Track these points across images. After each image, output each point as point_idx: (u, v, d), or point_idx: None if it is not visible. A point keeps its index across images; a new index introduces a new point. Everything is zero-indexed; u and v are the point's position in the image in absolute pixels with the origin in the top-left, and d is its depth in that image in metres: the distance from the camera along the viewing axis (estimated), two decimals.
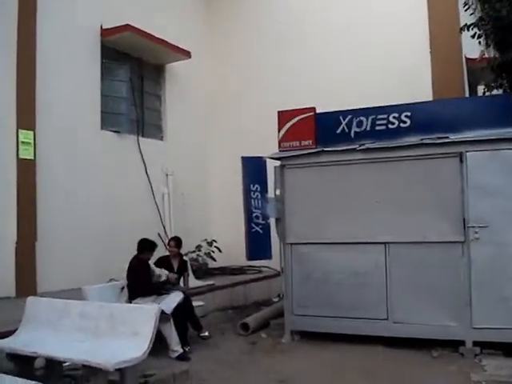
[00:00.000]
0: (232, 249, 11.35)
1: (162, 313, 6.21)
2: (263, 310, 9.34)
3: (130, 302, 7.06)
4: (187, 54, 11.43)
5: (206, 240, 11.32)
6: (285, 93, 11.35)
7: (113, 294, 7.24)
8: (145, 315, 5.04)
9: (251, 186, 8.20)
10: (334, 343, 7.33)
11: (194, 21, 12.84)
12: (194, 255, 10.98)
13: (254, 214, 8.16)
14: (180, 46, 11.22)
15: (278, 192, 7.90)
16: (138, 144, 10.80)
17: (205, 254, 11.18)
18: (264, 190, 8.29)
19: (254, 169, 8.27)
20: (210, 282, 10.07)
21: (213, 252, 11.41)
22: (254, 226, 8.15)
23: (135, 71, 11.04)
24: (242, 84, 12.59)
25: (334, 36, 11.75)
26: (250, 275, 11.45)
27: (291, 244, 7.80)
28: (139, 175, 10.81)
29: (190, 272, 8.25)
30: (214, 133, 12.93)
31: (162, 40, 10.75)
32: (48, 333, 5.38)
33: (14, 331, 5.74)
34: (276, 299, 11.04)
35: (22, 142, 8.36)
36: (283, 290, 7.97)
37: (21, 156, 8.34)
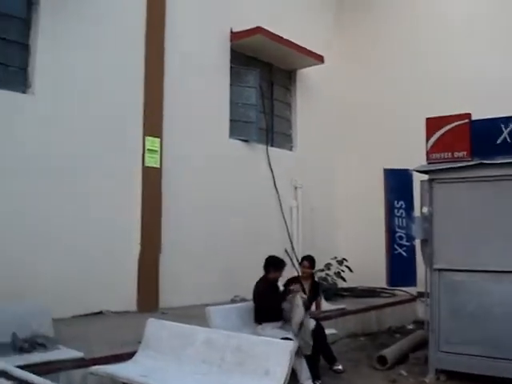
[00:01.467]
0: (362, 268, 10.53)
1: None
2: (400, 340, 8.27)
3: (257, 325, 6.44)
4: (320, 59, 10.70)
5: (335, 258, 10.43)
6: (427, 102, 10.31)
7: (238, 316, 6.61)
8: (279, 351, 4.27)
9: (395, 202, 7.26)
10: None
11: (324, 25, 12.10)
12: (322, 274, 10.15)
13: (398, 234, 7.20)
14: (312, 50, 10.52)
15: (425, 210, 6.91)
16: (267, 154, 10.20)
17: (334, 273, 10.30)
18: (410, 207, 7.30)
19: (398, 183, 7.33)
20: (341, 305, 9.17)
21: (343, 271, 10.51)
22: (397, 247, 7.20)
23: (264, 77, 10.46)
24: (377, 93, 11.61)
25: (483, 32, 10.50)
26: (382, 299, 10.42)
27: (440, 270, 6.75)
28: (267, 187, 10.21)
29: (322, 295, 7.42)
30: (345, 144, 12.04)
31: (294, 43, 10.10)
32: (170, 362, 4.79)
33: (133, 354, 5.24)
34: (411, 326, 10.04)
35: (149, 150, 8.03)
36: (427, 322, 6.94)
37: (147, 164, 8.00)
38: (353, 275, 10.63)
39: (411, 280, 7.32)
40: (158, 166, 8.16)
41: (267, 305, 6.44)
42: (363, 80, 11.85)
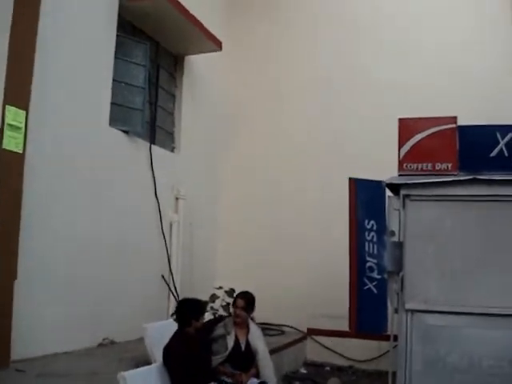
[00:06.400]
0: None
1: None
2: None
3: None
4: (218, 45, 8.80)
5: (221, 288, 8.49)
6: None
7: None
8: None
9: (365, 222, 5.65)
10: None
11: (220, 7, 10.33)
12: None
13: (368, 265, 5.62)
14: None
15: (392, 233, 5.44)
16: (150, 153, 8.00)
17: (221, 306, 8.37)
18: (382, 229, 5.73)
19: (368, 197, 5.74)
20: None
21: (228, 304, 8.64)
22: (366, 281, 5.60)
23: (151, 57, 8.26)
24: (275, 90, 10.04)
25: None
26: (272, 337, 8.74)
27: (412, 311, 5.32)
28: (147, 194, 7.99)
29: (265, 347, 5.38)
30: (234, 150, 10.25)
31: (196, 19, 8.13)
32: None
33: None
34: (303, 370, 8.83)
35: (9, 126, 5.43)
36: (392, 378, 5.42)
37: (5, 146, 5.39)
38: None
39: (382, 324, 5.73)
40: (21, 152, 5.59)
41: (196, 375, 4.41)
42: (260, 74, 10.18)
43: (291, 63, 10.00)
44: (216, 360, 4.89)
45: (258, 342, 5.19)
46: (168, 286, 8.26)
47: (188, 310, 4.75)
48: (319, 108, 9.67)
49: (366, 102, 9.24)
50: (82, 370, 5.48)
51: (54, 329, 6.08)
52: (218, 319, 5.49)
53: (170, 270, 8.36)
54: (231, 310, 5.48)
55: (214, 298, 8.35)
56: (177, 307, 4.82)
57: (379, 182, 5.57)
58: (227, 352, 4.93)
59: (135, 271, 7.59)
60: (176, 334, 4.69)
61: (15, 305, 5.44)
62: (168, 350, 4.54)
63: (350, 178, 5.98)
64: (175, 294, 8.27)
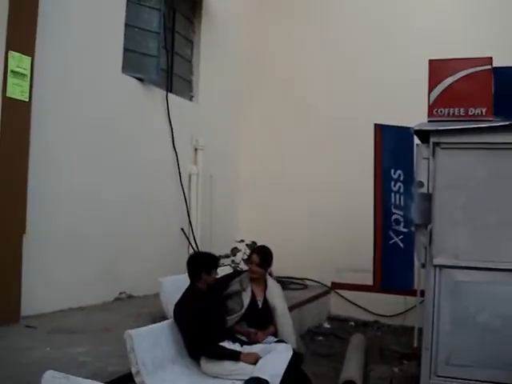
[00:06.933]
0: None
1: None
2: (350, 354, 6.34)
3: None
4: None
5: (242, 241, 8.26)
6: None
7: (170, 341, 4.24)
8: None
9: (392, 171, 5.25)
10: None
11: None
12: (228, 261, 7.94)
13: (394, 217, 5.27)
14: None
15: (420, 184, 5.06)
16: (167, 101, 7.66)
17: (243, 260, 8.14)
18: (409, 180, 5.33)
19: (395, 145, 5.34)
20: None
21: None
22: (392, 235, 5.24)
23: (167, 0, 7.81)
24: (305, 41, 9.49)
25: None
26: (295, 291, 8.53)
27: (441, 267, 4.96)
28: (164, 144, 7.72)
29: (284, 303, 5.08)
30: (256, 99, 9.78)
31: None
32: None
33: None
34: (327, 324, 8.56)
35: (13, 72, 5.15)
36: (420, 336, 5.14)
37: (9, 94, 5.12)
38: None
39: (408, 279, 5.41)
40: (27, 100, 5.31)
41: (208, 333, 4.16)
42: (289, 22, 9.57)
43: (314, 11, 9.39)
44: (231, 319, 4.64)
45: (277, 298, 4.91)
46: (188, 239, 8.06)
47: (198, 263, 4.49)
48: (341, 53, 9.12)
49: (394, 44, 8.65)
50: (95, 326, 5.34)
51: (69, 283, 5.93)
52: (233, 274, 5.22)
53: (190, 223, 8.14)
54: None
55: (235, 251, 8.16)
56: (187, 261, 4.56)
57: (407, 129, 5.11)
58: (243, 310, 4.67)
59: (153, 224, 7.39)
60: (187, 289, 4.46)
61: (26, 259, 5.28)
62: (178, 307, 4.31)
63: (375, 124, 5.57)
64: (195, 247, 8.06)
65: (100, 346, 4.64)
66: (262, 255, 4.94)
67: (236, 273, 5.43)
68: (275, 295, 4.92)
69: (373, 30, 8.85)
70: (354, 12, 9.10)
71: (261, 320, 4.77)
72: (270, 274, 5.32)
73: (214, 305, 4.45)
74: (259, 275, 4.91)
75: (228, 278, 4.97)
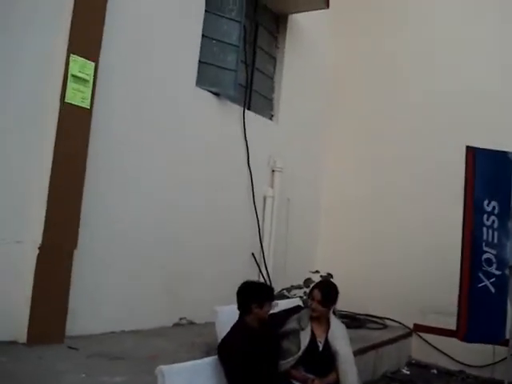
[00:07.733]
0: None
1: None
2: None
3: None
4: (325, 2, 7.84)
5: (317, 272, 7.62)
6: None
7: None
8: None
9: (485, 203, 4.49)
10: None
11: None
12: (300, 293, 7.31)
13: (485, 257, 4.46)
14: None
15: None
16: (244, 119, 7.26)
17: (304, 294, 7.47)
18: (506, 213, 4.54)
19: (491, 172, 4.57)
20: None
21: None
22: (482, 277, 4.43)
23: (248, 14, 7.47)
24: (393, 56, 8.81)
25: None
26: (373, 331, 7.76)
27: None
28: (238, 162, 7.30)
29: (349, 348, 4.37)
30: (341, 121, 9.17)
31: None
32: None
33: None
34: (406, 370, 7.72)
35: (74, 77, 4.91)
36: None
37: (68, 100, 4.88)
38: None
39: (499, 331, 4.59)
40: (88, 107, 5.05)
41: (257, 377, 3.58)
42: (370, 39, 8.98)
43: (403, 29, 8.70)
44: (287, 363, 4.03)
45: (340, 341, 4.23)
46: (258, 265, 7.54)
47: (248, 293, 3.93)
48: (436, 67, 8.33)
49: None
50: (143, 353, 4.91)
51: (122, 304, 5.58)
52: (292, 310, 4.62)
53: (262, 248, 7.62)
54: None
55: (308, 282, 7.49)
56: (237, 291, 4.01)
57: (505, 154, 4.33)
58: (300, 352, 4.05)
59: (222, 246, 6.95)
60: (235, 324, 3.90)
61: (76, 275, 4.96)
62: (224, 344, 3.76)
63: (467, 147, 4.81)
64: (266, 275, 7.52)
65: (140, 375, 4.19)
66: (324, 292, 4.30)
67: (295, 308, 4.82)
68: (339, 337, 4.26)
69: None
70: (449, 25, 8.30)
71: (321, 365, 4.12)
72: (334, 313, 4.66)
73: (266, 344, 3.86)
74: (320, 314, 4.27)
75: (285, 314, 4.37)
